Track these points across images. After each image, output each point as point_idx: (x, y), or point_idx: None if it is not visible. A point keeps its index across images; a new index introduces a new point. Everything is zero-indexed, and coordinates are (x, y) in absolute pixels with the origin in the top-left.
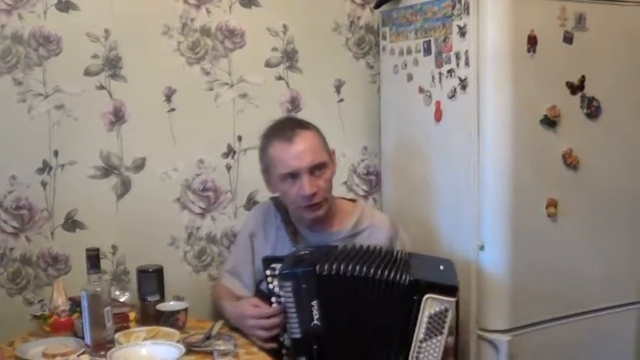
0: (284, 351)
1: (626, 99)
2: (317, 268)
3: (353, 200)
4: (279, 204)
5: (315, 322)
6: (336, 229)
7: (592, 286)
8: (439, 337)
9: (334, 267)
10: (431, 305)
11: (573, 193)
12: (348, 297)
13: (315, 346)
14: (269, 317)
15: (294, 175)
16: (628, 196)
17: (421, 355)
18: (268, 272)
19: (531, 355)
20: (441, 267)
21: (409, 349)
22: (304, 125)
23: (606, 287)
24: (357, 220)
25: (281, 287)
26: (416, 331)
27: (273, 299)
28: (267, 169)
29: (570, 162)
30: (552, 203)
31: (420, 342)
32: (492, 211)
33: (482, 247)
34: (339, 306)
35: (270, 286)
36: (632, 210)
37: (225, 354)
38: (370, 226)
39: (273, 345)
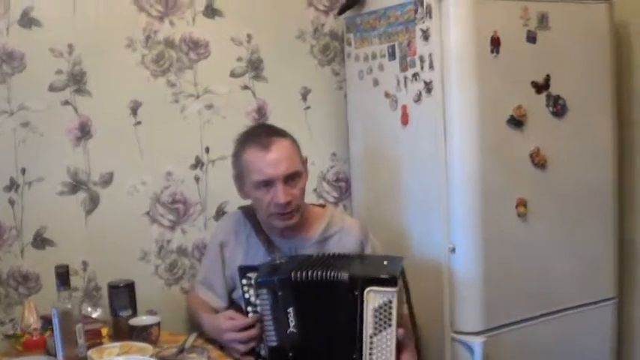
0: None
1: (592, 96)
2: (292, 275)
3: (322, 206)
4: (248, 213)
5: (292, 329)
6: (307, 234)
7: (565, 283)
8: (388, 330)
9: (306, 274)
10: (374, 299)
11: (542, 192)
12: (315, 302)
13: (290, 354)
14: (245, 329)
15: (268, 183)
16: (596, 193)
17: (374, 350)
18: (244, 281)
19: (507, 356)
20: (385, 262)
21: (362, 346)
22: (280, 133)
23: (580, 284)
24: (327, 225)
25: (257, 296)
26: (364, 326)
27: (249, 309)
28: (240, 176)
29: (538, 161)
30: (522, 203)
31: (371, 337)
32: (462, 213)
33: (453, 250)
34: (310, 312)
35: (246, 295)
36: (601, 206)
37: None
38: (340, 230)
39: (251, 358)
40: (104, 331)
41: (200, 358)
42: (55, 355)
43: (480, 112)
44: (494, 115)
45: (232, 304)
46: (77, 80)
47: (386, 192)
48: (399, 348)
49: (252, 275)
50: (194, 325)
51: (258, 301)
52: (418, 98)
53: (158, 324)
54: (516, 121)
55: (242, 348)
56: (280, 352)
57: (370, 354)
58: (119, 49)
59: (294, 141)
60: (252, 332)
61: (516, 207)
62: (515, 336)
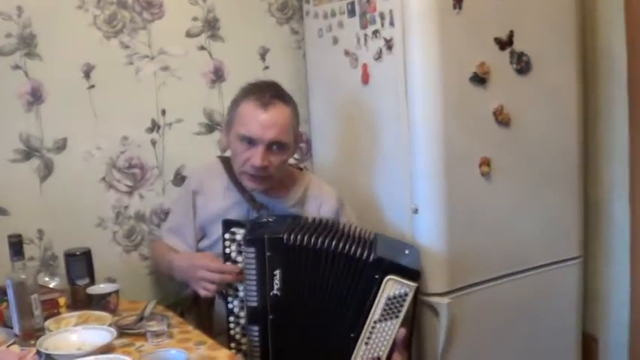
0: (232, 318)
1: (556, 53)
2: (284, 236)
3: (300, 168)
4: (227, 164)
5: (275, 291)
6: (284, 195)
7: (530, 243)
8: (394, 321)
9: (302, 237)
10: (392, 287)
11: (506, 150)
12: (311, 269)
13: (271, 316)
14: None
15: (251, 141)
16: (561, 151)
17: (373, 335)
18: (227, 236)
19: (472, 317)
20: (407, 251)
21: (362, 328)
22: (284, 98)
23: (545, 244)
24: (305, 189)
25: (242, 252)
26: (372, 310)
27: (228, 264)
28: (229, 123)
29: (502, 119)
30: (485, 162)
31: (375, 322)
32: (425, 174)
33: (416, 211)
34: (301, 277)
35: (227, 250)
36: (565, 164)
37: (158, 335)
38: (319, 196)
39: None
40: (62, 300)
41: (160, 325)
42: (12, 327)
43: (442, 70)
44: (457, 73)
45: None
46: (27, 44)
47: (347, 152)
48: (392, 348)
49: (237, 230)
50: (160, 271)
51: (240, 258)
52: (379, 56)
53: (117, 292)
54: (479, 79)
55: (210, 288)
56: (259, 313)
57: (368, 337)
58: (70, 11)
59: (295, 112)
60: (227, 277)
61: (480, 166)
62: (481, 296)
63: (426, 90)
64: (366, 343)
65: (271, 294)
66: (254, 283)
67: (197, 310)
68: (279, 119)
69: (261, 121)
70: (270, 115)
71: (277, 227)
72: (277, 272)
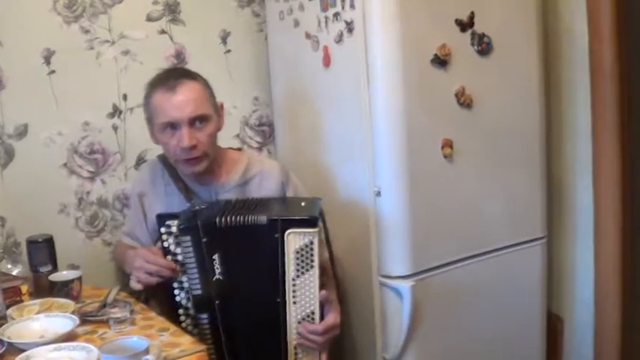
0: (181, 311)
1: (517, 34)
2: (217, 220)
3: (239, 149)
4: (166, 161)
5: (218, 276)
6: (225, 179)
7: (494, 225)
8: (311, 272)
9: (232, 218)
10: (294, 240)
11: (468, 132)
12: (243, 247)
13: (217, 302)
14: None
15: (173, 126)
16: (523, 132)
17: (297, 293)
18: (163, 230)
19: (436, 299)
20: (303, 203)
21: (285, 289)
22: (190, 75)
23: (508, 225)
24: (245, 168)
25: (180, 243)
26: (286, 269)
27: (169, 257)
28: (150, 119)
29: (464, 101)
30: (447, 144)
31: (293, 280)
32: (387, 156)
33: (378, 193)
34: (237, 257)
35: (165, 244)
36: (527, 145)
37: (121, 321)
38: (260, 172)
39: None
40: (24, 288)
41: (123, 312)
42: None
43: (403, 52)
44: (418, 55)
45: None
46: None
47: (310, 135)
48: (322, 305)
49: (172, 223)
50: (122, 270)
51: (179, 250)
52: (339, 39)
53: (79, 278)
54: (441, 61)
55: (143, 279)
56: (205, 300)
57: (294, 297)
58: None
59: (205, 84)
60: (164, 272)
61: (442, 148)
62: (445, 279)
63: (387, 72)
64: (294, 303)
65: (214, 279)
66: (195, 271)
67: (161, 296)
68: (190, 95)
69: (175, 103)
70: (181, 94)
71: (210, 213)
72: (216, 257)
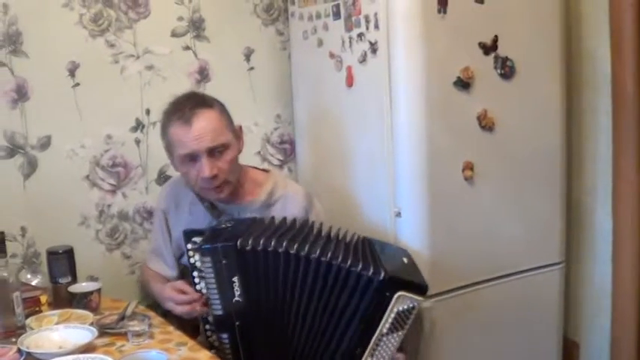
0: (207, 326)
1: (540, 58)
2: (238, 243)
3: (266, 170)
4: None
5: (237, 298)
6: (249, 200)
7: (512, 248)
8: (400, 332)
9: (258, 242)
10: (402, 302)
11: (489, 155)
12: (274, 272)
13: (237, 323)
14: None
15: (193, 157)
16: (544, 156)
17: (379, 348)
18: (189, 246)
19: (453, 321)
20: (405, 260)
21: (369, 341)
22: (206, 103)
23: (527, 249)
24: (270, 191)
25: (202, 262)
26: (381, 324)
27: (195, 273)
28: (168, 148)
29: (485, 124)
30: (469, 166)
31: (382, 335)
32: (408, 177)
33: (398, 214)
34: (263, 281)
35: (192, 260)
36: (548, 169)
37: (139, 334)
38: (284, 196)
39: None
40: (43, 298)
41: (141, 325)
42: None
43: (427, 74)
44: (441, 77)
45: (183, 272)
46: (13, 41)
47: (331, 155)
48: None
49: (198, 240)
50: (149, 297)
51: (203, 267)
52: (363, 59)
53: (99, 290)
54: (463, 83)
55: (178, 309)
56: (226, 320)
57: (374, 350)
58: (56, 9)
59: (222, 110)
60: (195, 306)
61: (463, 170)
62: (462, 301)
63: (410, 94)
64: (372, 355)
65: (233, 301)
66: (215, 291)
67: None
68: (207, 126)
69: (192, 135)
70: (197, 125)
71: (235, 232)
72: (235, 279)
